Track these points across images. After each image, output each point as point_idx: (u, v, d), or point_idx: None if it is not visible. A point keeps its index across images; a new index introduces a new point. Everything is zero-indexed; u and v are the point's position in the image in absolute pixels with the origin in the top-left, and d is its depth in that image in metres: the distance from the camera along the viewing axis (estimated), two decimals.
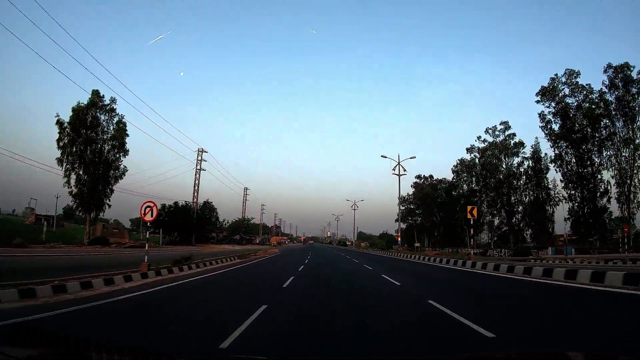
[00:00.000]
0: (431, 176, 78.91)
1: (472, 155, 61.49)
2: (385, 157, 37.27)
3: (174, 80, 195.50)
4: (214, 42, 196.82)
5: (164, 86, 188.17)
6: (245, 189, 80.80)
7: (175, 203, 51.00)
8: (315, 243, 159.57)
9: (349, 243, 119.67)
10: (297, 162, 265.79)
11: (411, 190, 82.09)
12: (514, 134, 58.24)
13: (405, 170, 37.50)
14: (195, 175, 51.90)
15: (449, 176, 74.56)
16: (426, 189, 74.18)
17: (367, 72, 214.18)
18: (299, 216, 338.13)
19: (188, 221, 48.78)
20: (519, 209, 57.23)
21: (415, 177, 79.33)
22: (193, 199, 52.43)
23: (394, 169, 36.92)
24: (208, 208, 59.15)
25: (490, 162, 59.29)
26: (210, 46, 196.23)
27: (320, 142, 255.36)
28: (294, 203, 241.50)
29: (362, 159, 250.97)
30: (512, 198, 57.52)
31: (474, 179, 64.38)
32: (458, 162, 63.44)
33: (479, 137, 60.41)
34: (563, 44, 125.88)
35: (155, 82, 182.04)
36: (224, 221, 78.12)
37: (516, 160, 57.81)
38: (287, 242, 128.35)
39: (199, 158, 52.45)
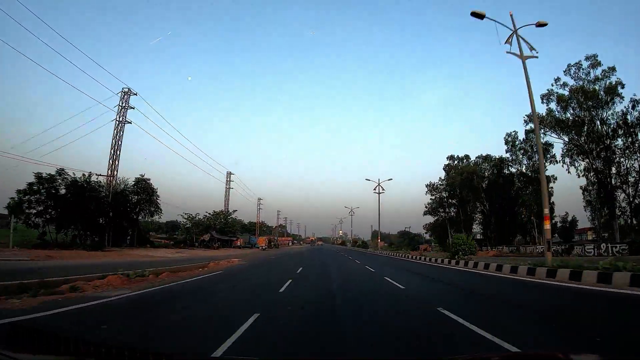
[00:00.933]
0: (467, 156, 59.29)
1: (548, 107, 41.38)
2: (484, 16, 16.00)
3: (182, 84, 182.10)
4: (215, 40, 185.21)
5: (169, 89, 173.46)
6: (229, 173, 59.32)
7: (60, 171, 27.61)
8: (324, 244, 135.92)
9: (369, 243, 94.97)
10: (304, 160, 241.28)
11: (442, 175, 62.18)
12: (612, 69, 38.48)
13: (534, 50, 16.32)
14: (115, 130, 29.94)
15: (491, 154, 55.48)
16: (469, 167, 54.17)
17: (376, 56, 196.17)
18: (309, 217, 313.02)
19: (98, 208, 26.75)
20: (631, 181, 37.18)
21: (447, 157, 60.24)
22: (109, 171, 30.19)
23: (508, 41, 15.46)
24: (143, 189, 36.41)
25: (576, 115, 39.51)
26: (212, 45, 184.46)
27: (329, 136, 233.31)
28: (302, 203, 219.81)
29: (376, 148, 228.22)
30: (620, 166, 37.55)
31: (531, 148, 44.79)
32: (527, 117, 43.13)
33: (557, 80, 40.58)
34: None
35: (160, 84, 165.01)
36: (195, 216, 55.29)
37: (620, 107, 37.97)
38: (290, 244, 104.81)
39: (123, 104, 30.76)
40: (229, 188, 58.30)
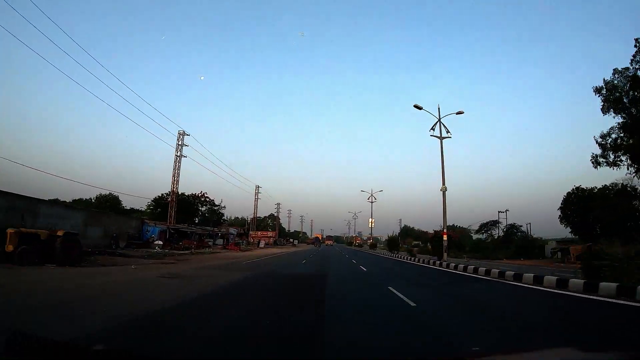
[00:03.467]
0: None
1: None
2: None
3: (193, 83, 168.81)
4: (223, 38, 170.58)
5: (176, 91, 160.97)
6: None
7: None
8: (335, 245, 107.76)
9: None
10: (311, 155, 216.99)
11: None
12: None
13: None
14: None
15: None
16: None
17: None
18: (324, 214, 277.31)
19: None
20: None
21: (636, 40, 26.52)
22: None
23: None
24: None
25: None
26: (219, 43, 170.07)
27: (339, 128, 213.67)
28: (312, 197, 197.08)
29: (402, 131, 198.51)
30: None
31: None
32: None
33: None
34: None
35: (164, 85, 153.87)
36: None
37: None
38: (261, 245, 60.68)
39: None
40: None
